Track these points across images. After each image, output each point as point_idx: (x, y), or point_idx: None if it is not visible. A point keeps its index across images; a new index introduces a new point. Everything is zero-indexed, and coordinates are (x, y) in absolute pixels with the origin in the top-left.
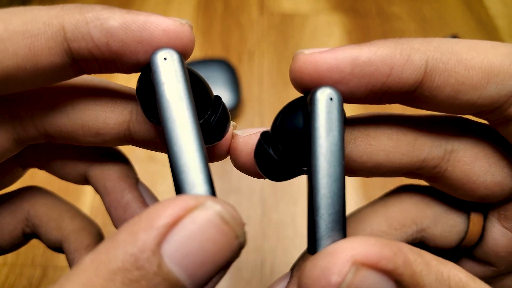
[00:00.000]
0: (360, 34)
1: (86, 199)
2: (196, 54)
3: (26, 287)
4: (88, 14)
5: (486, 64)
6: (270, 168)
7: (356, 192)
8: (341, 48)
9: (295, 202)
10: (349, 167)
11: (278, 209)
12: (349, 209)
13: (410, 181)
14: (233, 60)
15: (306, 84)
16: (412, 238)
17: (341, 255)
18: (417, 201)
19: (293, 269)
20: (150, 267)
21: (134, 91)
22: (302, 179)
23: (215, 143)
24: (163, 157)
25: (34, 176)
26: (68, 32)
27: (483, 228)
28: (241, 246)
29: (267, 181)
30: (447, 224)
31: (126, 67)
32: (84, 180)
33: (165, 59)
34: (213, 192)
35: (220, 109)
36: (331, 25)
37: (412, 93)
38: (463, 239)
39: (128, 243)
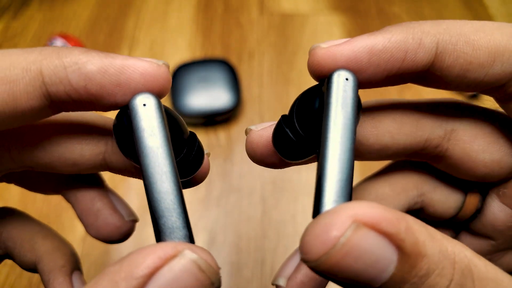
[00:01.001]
0: (360, 34)
1: None
2: (196, 54)
3: (26, 287)
4: (66, 59)
5: (492, 44)
6: (286, 147)
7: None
8: (357, 39)
9: (295, 201)
10: (357, 150)
11: (278, 208)
12: None
13: None
14: (233, 60)
15: (324, 76)
16: (414, 202)
17: (342, 213)
18: (418, 168)
19: None
20: None
21: (109, 122)
22: (301, 179)
23: (191, 176)
24: None
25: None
26: (46, 77)
27: (482, 202)
28: None
29: (267, 180)
30: (446, 191)
31: (104, 108)
32: (53, 191)
33: (144, 105)
34: (191, 235)
35: (196, 146)
36: (331, 25)
37: (424, 73)
38: (460, 209)
39: None
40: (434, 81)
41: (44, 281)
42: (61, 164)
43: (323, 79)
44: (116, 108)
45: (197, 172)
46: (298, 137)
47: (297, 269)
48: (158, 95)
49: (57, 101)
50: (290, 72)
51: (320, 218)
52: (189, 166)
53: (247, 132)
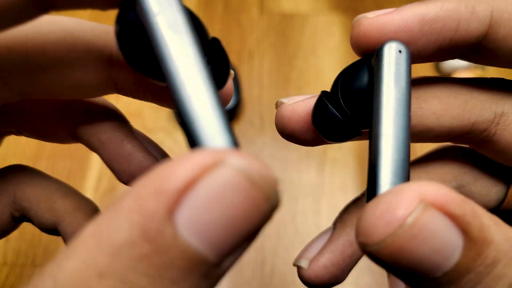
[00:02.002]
0: None
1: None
2: None
3: None
4: None
5: None
6: (330, 127)
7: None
8: (407, 7)
9: (295, 201)
10: None
11: (278, 208)
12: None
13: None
14: (233, 60)
15: (371, 49)
16: None
17: (409, 192)
18: (458, 159)
19: (335, 223)
20: (163, 239)
21: (111, 30)
22: (301, 179)
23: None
24: (170, 144)
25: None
26: None
27: None
28: (273, 208)
29: None
30: (487, 183)
31: (102, 4)
32: (72, 137)
33: None
34: (234, 142)
35: (221, 52)
36: (331, 25)
37: (476, 45)
38: (502, 200)
39: (135, 211)
40: (486, 55)
41: (67, 244)
42: (63, 86)
43: (370, 54)
44: (115, 3)
45: (222, 90)
46: (344, 116)
47: (321, 252)
48: None
49: None
50: (290, 72)
51: (382, 197)
52: (214, 74)
53: (277, 105)
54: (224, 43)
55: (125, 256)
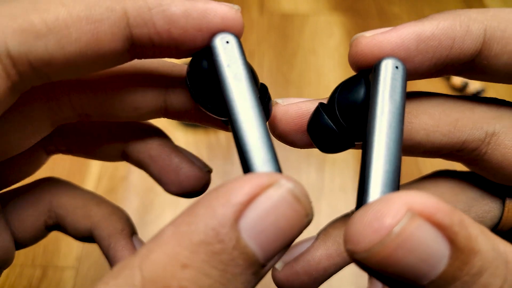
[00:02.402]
0: None
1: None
2: None
3: (26, 287)
4: (150, 0)
5: None
6: (325, 138)
7: None
8: (403, 26)
9: None
10: None
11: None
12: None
13: (446, 166)
14: None
15: (368, 65)
16: None
17: (397, 201)
18: (452, 186)
19: (319, 234)
20: (229, 241)
21: (168, 64)
22: (301, 179)
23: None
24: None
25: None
26: (131, 18)
27: None
28: (309, 223)
29: None
30: (482, 209)
31: (181, 53)
32: (120, 156)
33: (227, 42)
34: (280, 170)
35: (268, 95)
36: (331, 25)
37: (470, 62)
38: (497, 224)
39: (209, 218)
40: (479, 72)
41: (103, 247)
42: (122, 109)
43: (367, 69)
44: (189, 54)
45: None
46: (339, 128)
47: (297, 258)
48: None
49: (138, 44)
50: (290, 72)
51: (371, 205)
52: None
53: (273, 104)
54: None
55: (202, 252)
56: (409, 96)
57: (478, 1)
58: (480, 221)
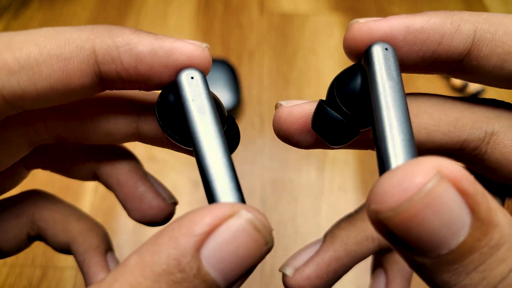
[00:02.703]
0: None
1: (86, 200)
2: None
3: (26, 287)
4: (118, 39)
5: None
6: (331, 130)
7: (361, 191)
8: (395, 17)
9: (295, 201)
10: None
11: (278, 209)
12: (352, 209)
13: None
14: (233, 60)
15: (360, 51)
16: None
17: (427, 163)
18: None
19: (325, 236)
20: (190, 270)
21: (141, 93)
22: (301, 179)
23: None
24: (163, 156)
25: (34, 177)
26: (99, 56)
27: None
28: (268, 250)
29: (267, 181)
30: None
31: (149, 87)
32: (92, 177)
33: (191, 78)
34: (243, 199)
35: (234, 125)
36: (331, 25)
37: (460, 62)
38: None
39: (171, 248)
40: (470, 71)
41: (78, 261)
42: (96, 134)
43: (359, 61)
44: (159, 88)
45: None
46: (344, 116)
47: (307, 263)
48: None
49: (107, 79)
50: (290, 72)
51: (399, 168)
52: (229, 142)
53: (277, 106)
54: (224, 43)
55: (164, 282)
56: (409, 97)
57: (478, 1)
58: None
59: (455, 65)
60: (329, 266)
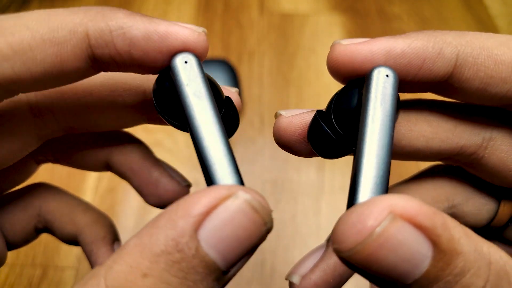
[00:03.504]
0: (360, 34)
1: (86, 198)
2: None
3: (26, 287)
4: (111, 22)
5: None
6: (323, 145)
7: None
8: (377, 40)
9: (295, 201)
10: None
11: (278, 208)
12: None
13: None
14: (233, 60)
15: (342, 73)
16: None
17: (379, 204)
18: (450, 179)
19: (328, 240)
20: (189, 250)
21: (143, 77)
22: (301, 179)
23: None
24: (163, 155)
25: (35, 175)
26: (92, 40)
27: None
28: (268, 231)
29: (267, 180)
30: (478, 202)
31: (143, 71)
32: (104, 167)
33: (185, 62)
34: (241, 182)
35: (232, 108)
36: (331, 25)
37: (442, 83)
38: (493, 218)
39: (169, 229)
40: (453, 92)
41: (86, 252)
42: (105, 119)
43: (362, 78)
44: (154, 72)
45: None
46: (337, 135)
47: (312, 269)
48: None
49: (100, 62)
50: (290, 72)
51: (356, 207)
52: (227, 127)
53: (276, 115)
54: (224, 43)
55: (162, 262)
56: (409, 104)
57: (478, 1)
58: (477, 213)
59: (437, 87)
60: (334, 271)
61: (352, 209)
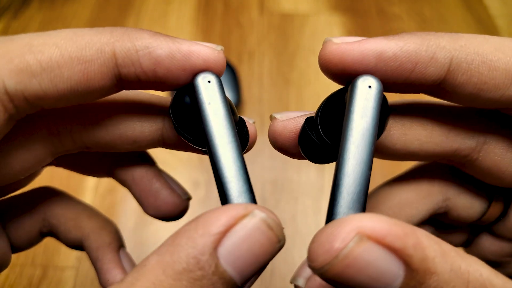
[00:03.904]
0: (360, 34)
1: (86, 199)
2: None
3: (26, 287)
4: (137, 42)
5: (511, 66)
6: (311, 151)
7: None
8: (369, 41)
9: (295, 201)
10: (381, 152)
11: (278, 209)
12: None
13: None
14: (233, 60)
15: (333, 71)
16: (438, 206)
17: (347, 225)
18: (443, 173)
19: None
20: (209, 267)
21: (164, 99)
22: (301, 179)
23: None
24: (163, 156)
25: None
26: (119, 59)
27: (506, 206)
28: (281, 247)
29: (267, 181)
30: (471, 196)
31: (165, 88)
32: (108, 174)
33: (209, 81)
34: (254, 200)
35: (245, 128)
36: (331, 25)
37: (435, 87)
38: (484, 213)
39: (190, 247)
40: (446, 95)
41: (92, 258)
42: (122, 142)
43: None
44: (174, 89)
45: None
46: (323, 143)
47: None
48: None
49: (126, 81)
50: (290, 72)
51: (326, 227)
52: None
53: (271, 118)
54: (224, 43)
55: (185, 279)
56: (404, 108)
57: (478, 1)
58: (470, 207)
59: (430, 89)
60: None
61: (324, 228)
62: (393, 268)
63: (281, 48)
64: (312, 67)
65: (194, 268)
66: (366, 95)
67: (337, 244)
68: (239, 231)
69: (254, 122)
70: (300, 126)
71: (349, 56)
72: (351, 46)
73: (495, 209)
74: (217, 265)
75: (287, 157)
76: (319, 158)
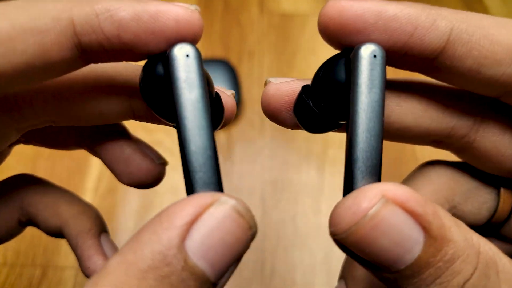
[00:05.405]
0: None
1: (86, 199)
2: None
3: (26, 287)
4: (97, 6)
5: None
6: (308, 119)
7: None
8: (370, 1)
9: (295, 201)
10: None
11: (279, 209)
12: None
13: (442, 153)
14: (233, 60)
15: (331, 30)
16: None
17: (373, 189)
18: (447, 178)
19: (343, 278)
20: (177, 263)
21: (132, 67)
22: (302, 179)
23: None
24: (169, 145)
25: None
26: (78, 26)
27: None
28: (253, 236)
29: (267, 181)
30: (477, 200)
31: (135, 57)
32: (77, 144)
33: (187, 56)
34: (221, 189)
35: (220, 106)
36: None
37: (433, 60)
38: (492, 215)
39: (154, 242)
40: (444, 72)
41: (72, 245)
42: (87, 115)
43: (349, 48)
44: (145, 57)
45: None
46: (321, 110)
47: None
48: (193, 41)
49: (88, 51)
50: (290, 72)
51: (352, 193)
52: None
53: (266, 83)
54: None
55: (151, 278)
56: (401, 82)
57: (478, 1)
58: (477, 212)
59: (428, 63)
60: None
61: (349, 195)
62: (414, 233)
63: (281, 48)
64: (312, 67)
65: (160, 265)
66: (372, 65)
67: (365, 204)
68: (207, 221)
69: (232, 94)
70: (295, 91)
71: (348, 11)
72: (352, 2)
73: (504, 210)
74: (186, 260)
75: (287, 157)
76: (315, 127)
